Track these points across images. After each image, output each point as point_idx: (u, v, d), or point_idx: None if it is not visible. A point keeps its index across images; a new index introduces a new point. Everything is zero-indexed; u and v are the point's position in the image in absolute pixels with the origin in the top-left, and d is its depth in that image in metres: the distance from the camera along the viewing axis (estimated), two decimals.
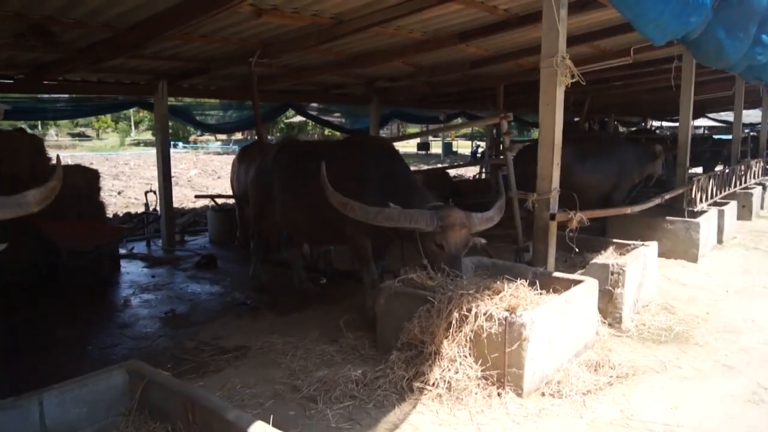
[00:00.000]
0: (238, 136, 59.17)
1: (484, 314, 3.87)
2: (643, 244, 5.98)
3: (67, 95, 8.90)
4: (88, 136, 61.32)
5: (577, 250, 5.48)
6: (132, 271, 7.78)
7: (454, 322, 3.93)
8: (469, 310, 3.91)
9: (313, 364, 4.34)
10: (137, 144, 55.73)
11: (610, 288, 5.15)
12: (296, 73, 9.39)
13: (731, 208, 9.37)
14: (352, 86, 11.26)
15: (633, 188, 9.46)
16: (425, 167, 14.63)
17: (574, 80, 5.08)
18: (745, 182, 11.96)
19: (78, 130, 63.00)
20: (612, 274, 5.15)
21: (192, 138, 54.54)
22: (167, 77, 9.09)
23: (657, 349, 4.74)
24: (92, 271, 7.02)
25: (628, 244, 6.08)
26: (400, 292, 4.40)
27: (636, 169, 9.18)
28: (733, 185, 11.03)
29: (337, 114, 13.32)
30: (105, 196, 15.60)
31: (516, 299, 4.08)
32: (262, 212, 6.36)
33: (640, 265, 5.53)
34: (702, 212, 8.46)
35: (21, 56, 7.11)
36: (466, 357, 3.88)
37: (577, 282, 4.68)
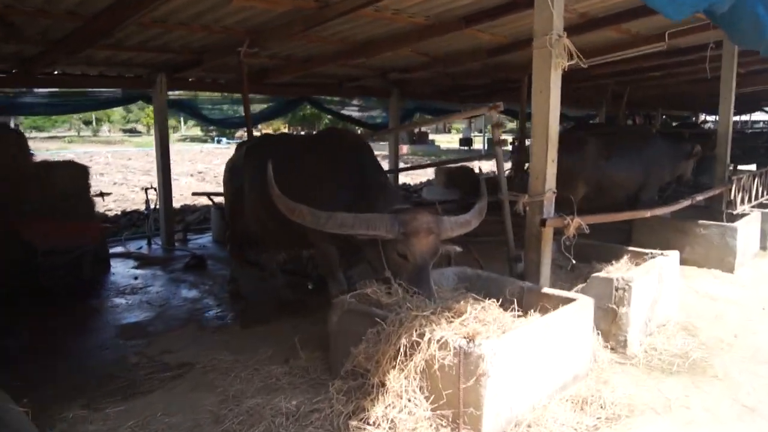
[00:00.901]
0: (284, 129, 59.85)
1: (438, 341, 3.23)
2: (661, 254, 5.18)
3: (52, 89, 8.64)
4: (139, 132, 62.78)
5: (574, 261, 4.73)
6: (119, 271, 7.44)
7: (403, 349, 3.31)
8: (422, 336, 3.28)
9: (253, 389, 3.80)
10: (184, 139, 56.74)
11: (614, 306, 4.40)
12: (301, 65, 8.89)
13: None
14: (366, 78, 10.66)
15: (664, 188, 8.53)
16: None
17: (572, 62, 4.35)
18: None
19: (130, 126, 64.69)
20: (616, 290, 4.41)
21: (238, 134, 55.17)
22: (165, 70, 8.73)
23: (664, 381, 3.98)
24: (72, 272, 6.70)
25: (645, 253, 5.29)
26: (353, 309, 3.81)
27: (668, 166, 8.24)
28: None
29: (356, 108, 12.74)
30: (128, 192, 15.74)
31: (480, 323, 3.42)
32: (233, 213, 5.88)
33: (654, 278, 4.75)
34: (743, 215, 7.51)
35: (3, 49, 6.85)
36: (415, 392, 3.25)
37: (569, 300, 3.98)
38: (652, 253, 5.26)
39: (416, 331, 3.31)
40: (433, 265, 4.18)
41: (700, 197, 6.72)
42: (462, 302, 3.57)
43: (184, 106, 10.31)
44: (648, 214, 5.66)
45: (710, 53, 7.15)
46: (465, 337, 3.20)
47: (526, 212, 4.51)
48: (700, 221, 6.97)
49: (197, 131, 58.34)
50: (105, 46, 6.82)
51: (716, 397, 3.74)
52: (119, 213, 12.26)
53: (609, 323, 4.43)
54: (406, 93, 12.09)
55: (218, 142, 46.13)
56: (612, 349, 4.40)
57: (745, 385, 3.91)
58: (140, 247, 8.81)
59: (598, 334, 4.45)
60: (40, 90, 8.77)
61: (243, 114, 11.28)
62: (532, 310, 4.01)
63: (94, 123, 61.86)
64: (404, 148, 32.30)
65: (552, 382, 3.62)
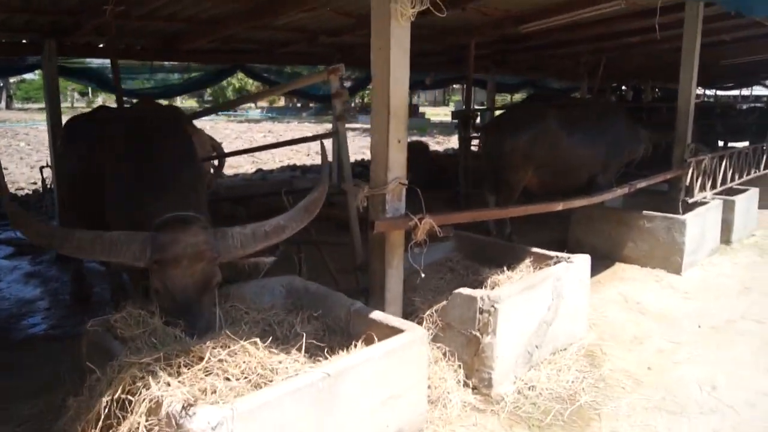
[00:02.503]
0: (281, 103, 58.24)
1: (151, 402, 2.24)
2: (568, 258, 4.12)
3: None
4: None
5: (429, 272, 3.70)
6: None
7: (109, 411, 2.32)
8: (133, 394, 2.29)
9: None
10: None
11: (477, 334, 3.37)
12: (209, 27, 7.77)
13: (749, 197, 7.22)
14: (296, 43, 9.49)
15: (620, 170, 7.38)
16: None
17: (423, 8, 3.27)
18: None
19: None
20: (481, 312, 3.37)
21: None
22: (54, 35, 7.63)
23: None
24: None
25: (550, 257, 4.23)
26: (97, 341, 2.81)
27: (627, 147, 7.04)
28: (765, 166, 8.77)
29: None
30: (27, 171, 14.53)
31: (226, 374, 2.41)
32: (62, 200, 4.86)
33: (543, 294, 3.71)
34: (702, 204, 6.42)
35: None
36: None
37: (397, 331, 2.95)
38: (557, 257, 4.20)
39: (129, 385, 2.31)
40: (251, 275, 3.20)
41: (643, 183, 5.61)
42: (210, 342, 2.54)
43: (92, 75, 9.19)
44: (560, 206, 4.56)
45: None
46: (185, 401, 2.20)
47: (368, 209, 3.47)
48: (644, 212, 5.88)
49: (194, 103, 57.24)
50: None
51: None
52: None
53: (471, 355, 3.41)
54: (352, 61, 10.90)
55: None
56: (474, 388, 3.39)
57: None
58: None
59: (460, 367, 3.44)
60: None
61: (162, 86, 10.34)
62: (355, 342, 3.00)
63: (90, 94, 60.81)
64: None
65: None
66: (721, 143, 14.04)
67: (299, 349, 2.78)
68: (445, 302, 3.55)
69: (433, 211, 3.39)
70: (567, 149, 6.33)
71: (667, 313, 4.72)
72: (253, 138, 22.48)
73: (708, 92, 24.85)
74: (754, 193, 7.40)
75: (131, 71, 9.93)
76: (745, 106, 16.23)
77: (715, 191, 7.00)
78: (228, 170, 14.37)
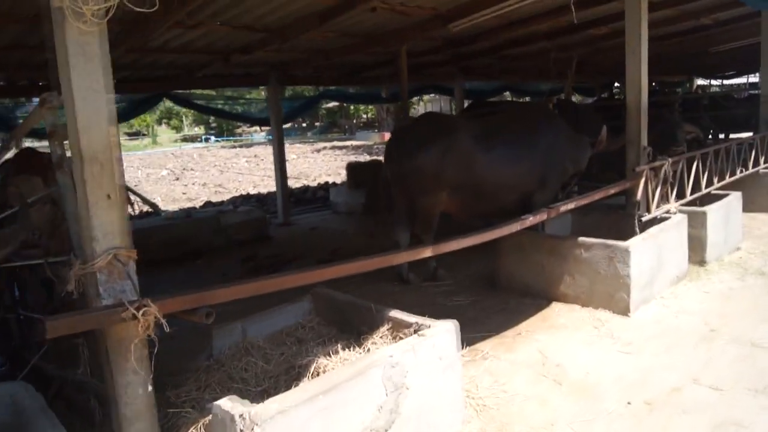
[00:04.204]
0: (286, 125, 57.81)
1: None
2: (429, 327, 3.00)
3: None
4: (145, 134, 61.60)
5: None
6: None
7: None
8: None
9: None
10: (184, 140, 55.66)
11: None
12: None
13: (728, 205, 5.99)
14: (212, 64, 8.53)
15: (567, 184, 6.19)
16: None
17: (110, 3, 2.23)
18: None
19: (135, 129, 63.77)
20: None
21: (240, 129, 53.42)
22: None
23: None
24: None
25: (409, 324, 3.13)
26: None
27: (569, 158, 5.85)
28: (753, 164, 7.52)
29: (242, 101, 10.67)
30: None
31: None
32: None
33: (364, 391, 2.59)
34: (662, 220, 5.24)
35: None
36: None
37: None
38: (417, 325, 3.09)
39: None
40: None
41: (570, 205, 4.46)
42: None
43: None
44: (430, 250, 3.41)
45: None
46: None
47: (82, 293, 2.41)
48: (580, 239, 4.71)
49: (200, 130, 57.24)
50: None
51: None
52: None
53: None
54: (289, 79, 9.94)
55: (206, 140, 44.47)
56: None
57: None
58: None
59: None
60: None
61: None
62: None
63: None
64: (386, 136, 30.05)
65: None
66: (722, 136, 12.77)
67: None
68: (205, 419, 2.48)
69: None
70: (486, 166, 5.21)
71: (592, 380, 3.55)
72: (233, 165, 21.66)
73: (714, 82, 23.38)
74: (734, 199, 6.16)
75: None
76: (745, 95, 14.82)
77: (683, 201, 5.81)
78: (172, 203, 13.51)
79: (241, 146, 32.84)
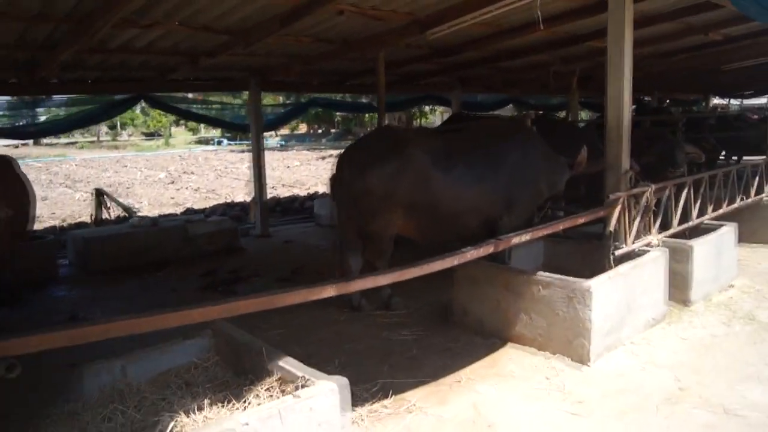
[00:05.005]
0: (302, 130, 57.52)
1: None
2: (310, 381, 2.50)
3: None
4: (161, 135, 61.96)
5: None
6: None
7: None
8: None
9: None
10: (199, 142, 55.87)
11: None
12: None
13: (719, 239, 5.40)
14: (181, 67, 8.11)
15: (541, 208, 5.63)
16: None
17: None
18: None
19: (151, 130, 64.21)
20: None
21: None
22: None
23: None
24: None
25: (297, 377, 2.64)
26: None
27: (542, 180, 5.30)
28: (756, 192, 6.91)
29: (219, 106, 10.25)
30: None
31: None
32: None
33: None
34: (641, 253, 4.68)
35: None
36: None
37: None
38: (303, 380, 2.59)
39: None
40: None
41: (526, 236, 3.92)
42: None
43: None
44: (333, 291, 2.91)
45: None
46: None
47: None
48: (538, 275, 4.16)
49: (216, 132, 57.41)
50: None
51: None
52: None
53: None
54: (271, 85, 9.50)
55: (218, 143, 44.42)
56: None
57: None
58: None
59: None
60: None
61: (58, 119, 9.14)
62: None
63: (119, 127, 61.74)
64: None
65: None
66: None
67: None
68: None
69: None
70: (444, 187, 4.70)
71: None
72: (233, 170, 21.38)
73: (734, 102, 22.56)
74: (728, 231, 5.56)
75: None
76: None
77: (668, 233, 5.23)
78: (159, 208, 13.17)
79: (248, 151, 32.56)
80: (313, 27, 6.54)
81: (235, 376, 3.14)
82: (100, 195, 9.81)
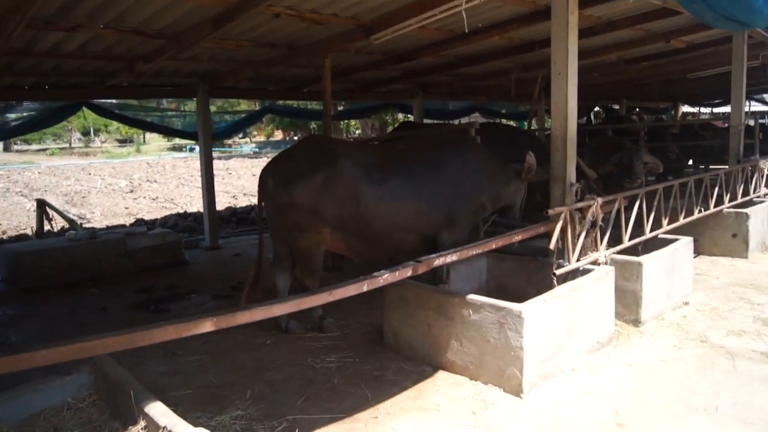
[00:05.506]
0: (278, 137, 56.87)
1: None
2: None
3: None
4: (132, 142, 61.01)
5: None
6: None
7: None
8: None
9: None
10: (173, 149, 55.03)
11: None
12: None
13: (673, 253, 5.12)
14: (120, 73, 7.70)
15: (487, 220, 5.30)
16: None
17: None
18: (753, 192, 7.53)
19: (125, 136, 63.29)
20: None
21: (230, 140, 52.57)
22: None
23: None
24: None
25: (159, 429, 2.26)
26: None
27: (487, 191, 4.98)
28: (715, 203, 6.68)
29: (174, 114, 9.84)
30: None
31: None
32: None
33: None
34: (586, 272, 4.37)
35: None
36: None
37: None
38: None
39: None
40: None
41: (453, 256, 3.59)
42: None
43: None
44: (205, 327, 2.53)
45: None
46: None
47: None
48: (469, 297, 3.82)
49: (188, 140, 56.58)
50: None
51: None
52: None
53: None
54: (221, 92, 9.09)
55: (191, 150, 43.65)
56: None
57: None
58: None
59: None
60: None
61: None
62: None
63: (92, 133, 60.63)
64: None
65: None
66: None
67: None
68: None
69: None
70: (375, 201, 4.35)
71: None
72: (197, 179, 20.83)
73: (704, 110, 22.73)
74: (682, 245, 5.29)
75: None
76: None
77: (619, 248, 4.95)
78: (112, 218, 12.66)
79: (219, 158, 31.99)
80: (252, 30, 6.19)
81: (111, 418, 2.76)
82: (42, 206, 9.31)
